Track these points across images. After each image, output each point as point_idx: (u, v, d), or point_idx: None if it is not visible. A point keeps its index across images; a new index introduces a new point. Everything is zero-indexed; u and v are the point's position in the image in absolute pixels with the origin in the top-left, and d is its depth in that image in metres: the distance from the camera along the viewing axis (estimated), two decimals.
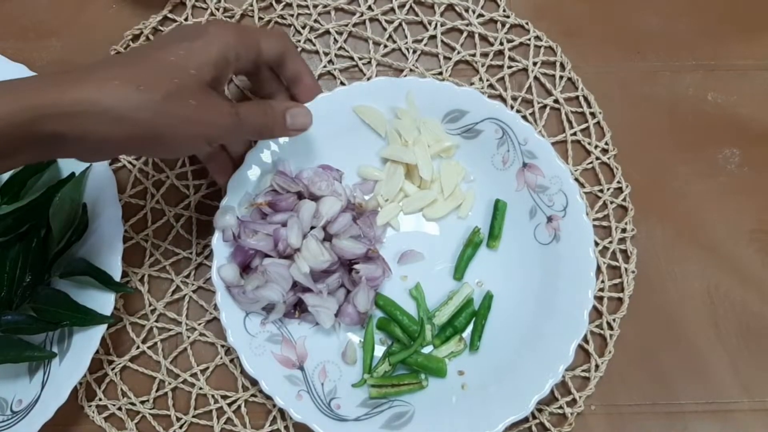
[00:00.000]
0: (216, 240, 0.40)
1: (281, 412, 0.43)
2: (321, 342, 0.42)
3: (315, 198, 0.40)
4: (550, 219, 0.42)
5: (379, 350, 0.42)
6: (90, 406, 0.43)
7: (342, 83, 0.47)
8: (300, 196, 0.41)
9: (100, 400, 0.43)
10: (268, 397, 0.43)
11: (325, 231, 0.40)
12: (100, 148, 0.31)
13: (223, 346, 0.44)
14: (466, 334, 0.42)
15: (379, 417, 0.40)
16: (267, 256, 0.39)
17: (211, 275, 0.40)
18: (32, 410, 0.39)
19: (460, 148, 0.44)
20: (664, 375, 0.44)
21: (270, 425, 0.43)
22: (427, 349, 0.42)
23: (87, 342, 0.40)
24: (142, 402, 0.43)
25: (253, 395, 0.43)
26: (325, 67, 0.47)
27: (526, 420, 0.43)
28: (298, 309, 0.41)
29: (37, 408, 0.39)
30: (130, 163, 0.46)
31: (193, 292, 0.44)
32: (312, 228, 0.40)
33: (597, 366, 0.43)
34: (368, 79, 0.47)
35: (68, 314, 0.40)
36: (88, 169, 0.42)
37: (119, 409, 0.43)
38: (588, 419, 0.43)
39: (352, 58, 0.48)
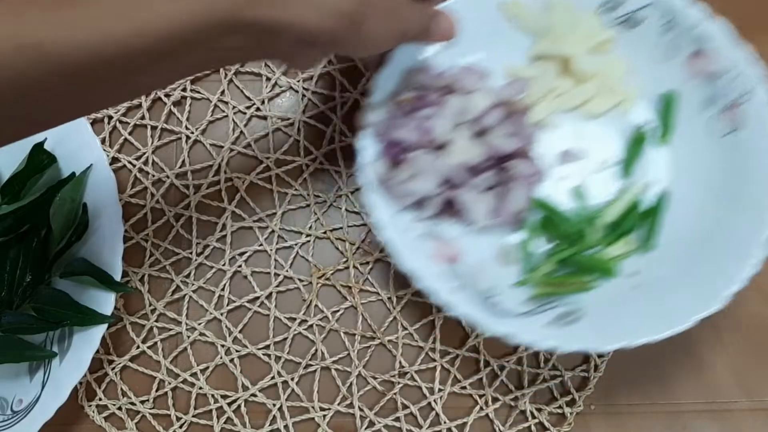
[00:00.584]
0: (363, 137, 0.39)
1: (281, 411, 0.43)
2: (475, 242, 0.40)
3: (463, 94, 0.40)
4: (726, 109, 0.39)
5: (538, 252, 0.41)
6: (90, 405, 0.43)
7: (341, 83, 0.47)
8: (446, 92, 0.40)
9: (100, 399, 0.43)
10: (268, 397, 0.43)
11: (475, 127, 0.39)
12: (306, 41, 0.29)
13: (223, 345, 0.44)
14: (636, 234, 0.41)
15: (543, 315, 0.38)
16: (411, 151, 0.39)
17: (359, 174, 0.39)
18: (32, 410, 0.39)
19: (618, 40, 0.42)
20: (663, 375, 0.44)
21: (270, 425, 0.43)
22: (592, 250, 0.40)
23: (87, 341, 0.40)
24: (142, 402, 0.43)
25: (252, 395, 0.43)
26: (324, 67, 0.47)
27: (525, 419, 0.43)
28: (450, 208, 0.40)
29: (38, 408, 0.39)
30: (129, 162, 0.46)
31: (193, 292, 0.44)
32: (462, 124, 0.39)
33: (596, 366, 0.43)
34: (367, 80, 0.47)
35: (68, 314, 0.40)
36: (89, 169, 0.42)
37: (119, 408, 0.43)
38: (587, 419, 0.43)
39: (351, 59, 0.48)
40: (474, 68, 0.40)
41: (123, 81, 0.27)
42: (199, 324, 0.44)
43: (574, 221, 0.40)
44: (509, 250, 0.40)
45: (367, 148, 0.39)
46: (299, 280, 0.45)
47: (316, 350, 0.44)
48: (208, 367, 0.43)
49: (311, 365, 0.43)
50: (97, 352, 0.40)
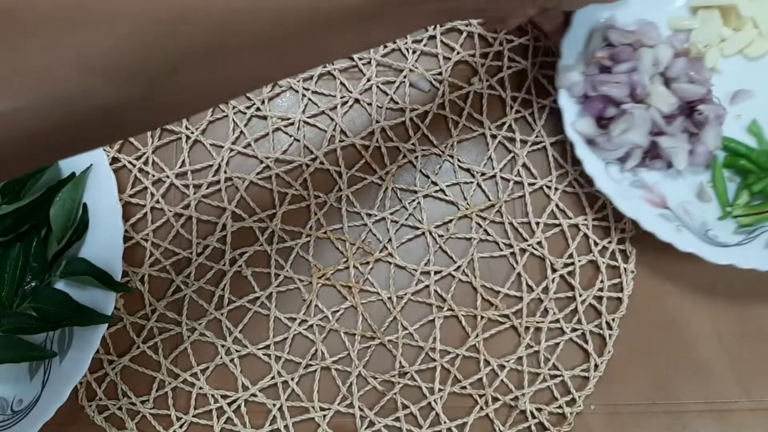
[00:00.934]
0: (563, 98, 0.43)
1: (281, 411, 0.43)
2: (672, 186, 0.44)
3: (649, 47, 0.43)
4: None
5: (731, 186, 0.45)
6: (90, 405, 0.43)
7: (342, 83, 0.47)
8: (635, 47, 0.43)
9: (100, 399, 0.43)
10: (268, 397, 0.43)
11: (663, 77, 0.43)
12: None
13: (223, 345, 0.44)
14: None
15: (757, 240, 0.42)
16: (615, 106, 0.42)
17: (566, 131, 0.43)
18: (32, 410, 0.39)
19: None
20: (663, 375, 0.44)
21: (270, 425, 0.43)
22: None
23: (87, 341, 0.40)
24: (142, 402, 0.43)
25: (253, 395, 0.43)
26: (324, 67, 0.47)
27: (525, 419, 0.43)
28: (649, 156, 0.43)
29: (38, 408, 0.39)
30: (130, 162, 0.46)
31: (194, 291, 0.44)
32: (654, 75, 0.43)
33: (596, 366, 0.43)
34: (368, 80, 0.47)
35: (69, 314, 0.40)
36: (89, 169, 0.42)
37: (119, 408, 0.43)
38: (587, 419, 0.43)
39: (351, 59, 0.48)
40: (652, 22, 0.44)
41: (357, 32, 0.27)
42: (199, 324, 0.44)
43: (758, 154, 0.44)
44: (705, 188, 0.44)
45: (569, 107, 0.43)
46: (299, 280, 0.45)
47: (316, 350, 0.44)
48: (208, 367, 0.43)
49: (311, 365, 0.43)
50: (97, 352, 0.40)
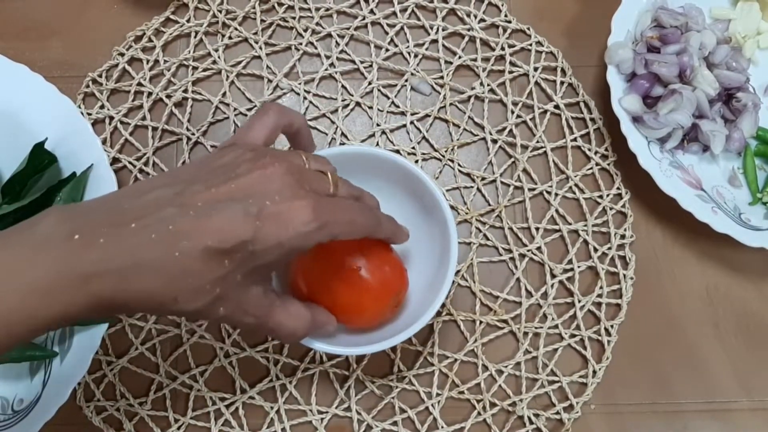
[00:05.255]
0: (612, 74, 0.44)
1: (279, 414, 0.43)
2: (706, 169, 0.46)
3: (696, 31, 0.45)
4: None
5: (761, 173, 0.46)
6: (88, 406, 0.43)
7: (343, 86, 0.47)
8: (683, 30, 0.45)
9: (99, 400, 0.43)
10: (266, 400, 0.43)
11: (707, 62, 0.45)
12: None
13: (221, 348, 0.44)
14: None
15: None
16: (662, 85, 0.44)
17: (613, 107, 0.43)
18: (33, 410, 0.40)
19: None
20: (663, 375, 0.44)
21: (267, 427, 0.43)
22: None
23: (88, 342, 0.40)
24: (140, 403, 0.43)
25: (250, 397, 0.43)
26: (326, 70, 0.47)
27: (523, 425, 0.43)
28: (688, 138, 0.45)
29: (38, 407, 0.39)
30: (130, 163, 0.46)
31: None
32: (700, 59, 0.44)
33: (594, 372, 0.43)
34: (369, 83, 0.47)
35: None
36: (89, 169, 0.42)
37: (117, 409, 0.43)
38: (588, 419, 0.43)
39: (353, 62, 0.48)
40: (699, 8, 0.46)
41: None
42: (198, 326, 0.44)
43: None
44: (736, 174, 0.46)
45: (616, 83, 0.44)
46: None
47: (314, 353, 0.44)
48: (206, 369, 0.43)
49: (309, 368, 0.43)
50: (96, 353, 0.40)
